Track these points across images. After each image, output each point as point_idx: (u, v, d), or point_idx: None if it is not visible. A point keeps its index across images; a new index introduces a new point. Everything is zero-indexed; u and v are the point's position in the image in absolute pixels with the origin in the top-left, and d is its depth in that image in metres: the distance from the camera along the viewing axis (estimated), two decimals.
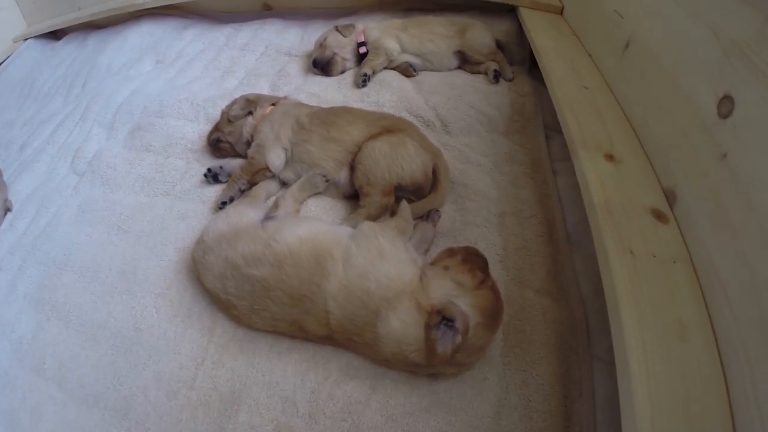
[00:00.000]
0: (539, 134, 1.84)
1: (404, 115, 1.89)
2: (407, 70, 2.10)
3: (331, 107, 1.79)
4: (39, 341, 1.43)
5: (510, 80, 2.05)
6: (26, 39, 3.33)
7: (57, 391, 1.31)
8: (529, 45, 2.18)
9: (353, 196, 1.64)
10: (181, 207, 1.74)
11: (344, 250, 1.26)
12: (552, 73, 1.75)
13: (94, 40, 3.05)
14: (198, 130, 2.03)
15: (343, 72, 2.18)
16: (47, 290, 1.56)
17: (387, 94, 1.97)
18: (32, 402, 1.30)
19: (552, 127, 1.92)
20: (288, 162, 1.67)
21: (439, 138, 1.84)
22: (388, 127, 1.61)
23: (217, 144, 1.86)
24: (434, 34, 2.11)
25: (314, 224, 1.37)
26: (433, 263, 1.29)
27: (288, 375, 1.25)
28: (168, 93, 2.23)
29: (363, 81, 2.03)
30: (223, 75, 2.34)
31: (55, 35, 3.41)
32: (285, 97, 1.89)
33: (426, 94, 1.97)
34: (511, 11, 2.34)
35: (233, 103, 1.86)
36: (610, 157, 1.36)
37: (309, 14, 2.69)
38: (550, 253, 1.46)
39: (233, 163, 1.78)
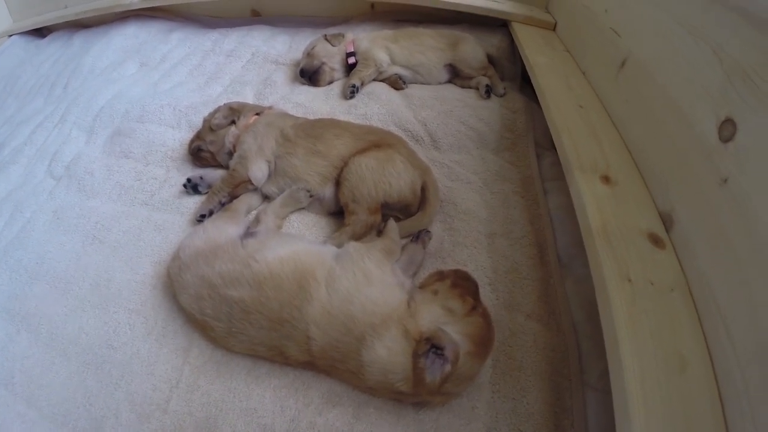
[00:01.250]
0: (530, 152, 1.78)
1: (393, 129, 1.80)
2: (397, 83, 2.02)
3: (317, 119, 1.70)
4: (8, 354, 1.32)
5: (501, 96, 1.98)
6: (11, 35, 3.18)
7: (25, 408, 1.20)
8: (521, 61, 2.13)
9: (338, 213, 1.55)
10: (158, 218, 1.63)
11: (328, 272, 1.16)
12: (546, 90, 1.68)
13: (79, 39, 2.92)
14: (179, 137, 1.92)
15: (331, 82, 2.08)
16: (18, 300, 1.44)
17: (375, 106, 1.88)
18: None
19: (542, 145, 1.86)
20: (271, 175, 1.57)
21: (428, 154, 1.76)
22: (375, 141, 1.52)
23: (198, 153, 1.75)
24: (425, 47, 2.04)
25: (297, 243, 1.28)
26: (421, 287, 1.21)
27: (267, 401, 1.14)
28: (150, 98, 2.11)
29: (351, 92, 1.94)
30: (207, 81, 2.23)
31: (41, 33, 3.26)
32: (270, 107, 1.79)
33: (415, 107, 1.88)
34: (503, 26, 2.29)
35: (216, 111, 1.75)
36: (606, 179, 1.30)
37: (298, 22, 2.60)
38: (541, 277, 1.39)
39: (214, 174, 1.68)
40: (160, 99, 2.08)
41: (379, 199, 1.43)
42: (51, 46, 3.03)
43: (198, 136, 1.76)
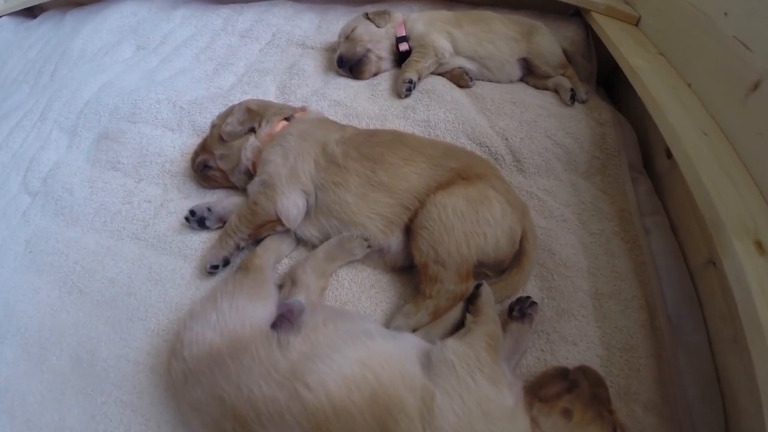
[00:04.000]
0: (624, 178, 1.24)
1: (464, 142, 1.22)
2: (462, 78, 1.39)
3: (373, 131, 1.10)
4: None
5: (583, 102, 1.41)
6: (0, 16, 2.55)
7: None
8: (596, 58, 1.57)
9: (406, 267, 1.00)
10: (153, 261, 1.09)
11: (423, 400, 0.65)
12: (665, 109, 1.12)
13: (71, 19, 2.23)
14: (180, 143, 1.33)
15: (376, 74, 1.44)
16: None
17: (440, 110, 1.27)
18: None
19: (633, 166, 1.30)
20: (310, 212, 1.00)
21: (511, 178, 1.19)
22: (460, 170, 0.96)
23: (204, 170, 1.17)
24: (496, 35, 1.42)
25: (365, 344, 0.73)
26: (541, 399, 0.73)
27: None
28: (145, 90, 1.48)
29: (407, 89, 1.32)
30: (216, 69, 1.58)
31: (32, 12, 2.61)
32: (303, 108, 1.19)
33: (491, 114, 1.29)
34: (574, 15, 1.66)
35: (229, 112, 1.16)
36: (759, 246, 0.83)
37: None
38: (655, 351, 0.97)
39: (227, 204, 1.10)
40: (157, 92, 1.46)
41: (472, 259, 0.89)
42: (41, 28, 2.34)
43: (204, 147, 1.17)
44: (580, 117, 1.36)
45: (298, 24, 1.69)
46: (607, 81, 1.63)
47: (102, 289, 1.09)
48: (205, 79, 1.53)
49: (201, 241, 1.10)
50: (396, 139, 1.01)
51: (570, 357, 0.93)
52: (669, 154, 1.27)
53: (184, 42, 1.77)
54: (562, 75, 1.45)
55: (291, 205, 0.96)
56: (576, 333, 0.96)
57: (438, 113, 1.26)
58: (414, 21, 1.44)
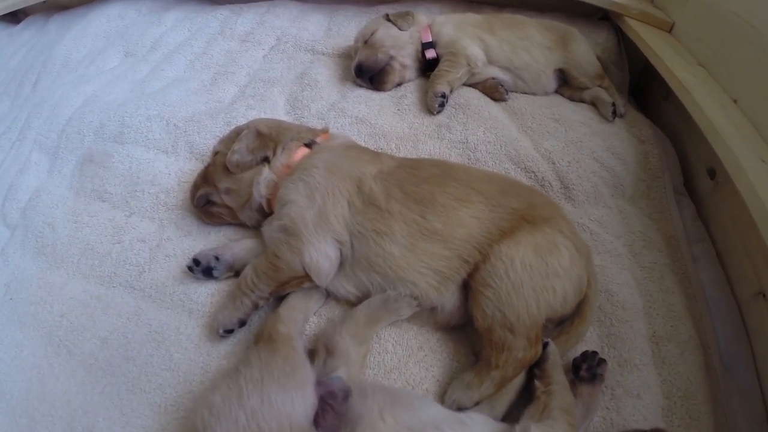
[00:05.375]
0: (670, 202, 1.07)
1: (507, 167, 1.01)
2: (496, 90, 1.17)
3: (415, 162, 0.87)
4: None
5: (622, 116, 1.21)
6: None
7: None
8: (627, 66, 1.37)
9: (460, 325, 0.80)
10: (152, 317, 0.88)
11: None
12: (721, 130, 0.95)
13: (55, 24, 1.90)
14: (176, 169, 1.09)
15: (399, 84, 1.20)
16: None
17: (478, 129, 1.06)
18: None
19: (676, 188, 1.13)
20: (345, 264, 0.78)
21: (559, 206, 0.97)
22: (524, 212, 0.76)
23: (206, 206, 0.94)
24: (531, 42, 1.20)
25: None
26: None
27: None
28: (133, 104, 1.23)
29: (440, 104, 1.09)
30: (214, 78, 1.32)
31: (16, 17, 2.32)
32: (325, 131, 0.95)
33: (533, 134, 1.08)
34: (603, 19, 1.45)
35: (234, 135, 0.92)
36: None
37: None
38: (711, 395, 0.85)
39: (237, 249, 0.88)
40: (147, 107, 1.20)
41: (541, 320, 0.71)
42: (24, 34, 2.00)
43: (205, 178, 0.93)
44: (623, 134, 1.16)
45: (305, 26, 1.43)
46: (633, 90, 1.42)
47: (94, 351, 0.87)
48: (202, 90, 1.28)
49: (208, 293, 0.88)
50: (445, 174, 0.79)
51: (636, 414, 0.79)
52: (712, 174, 1.11)
53: (177, 47, 1.51)
54: (599, 86, 1.24)
55: (321, 257, 0.74)
56: (639, 384, 0.82)
57: (476, 132, 1.04)
58: (441, 25, 1.20)
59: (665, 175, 1.11)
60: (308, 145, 0.87)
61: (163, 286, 0.92)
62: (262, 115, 1.11)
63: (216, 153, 0.93)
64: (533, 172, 1.01)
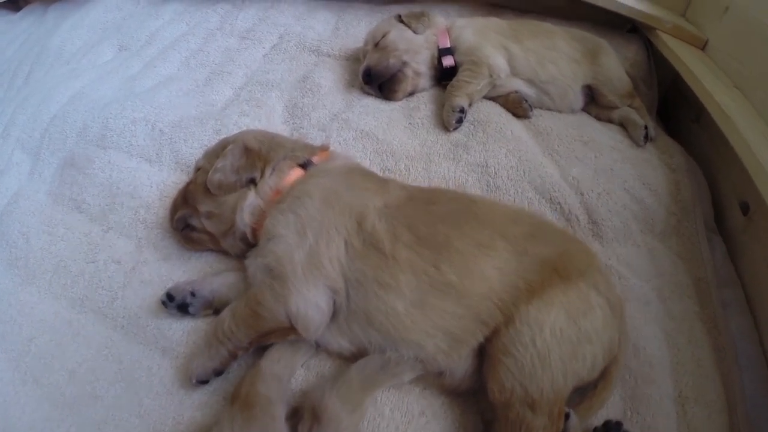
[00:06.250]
0: (701, 241, 0.93)
1: (530, 197, 0.86)
2: (520, 106, 1.00)
3: (429, 192, 0.72)
4: None
5: (652, 140, 1.05)
6: None
7: None
8: (657, 84, 1.21)
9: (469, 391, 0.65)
10: (123, 351, 0.75)
11: None
12: (766, 164, 0.81)
13: (53, 13, 1.74)
14: (158, 181, 0.95)
15: (411, 93, 1.04)
16: None
17: (500, 150, 0.90)
18: None
19: (706, 224, 0.99)
20: (339, 315, 0.64)
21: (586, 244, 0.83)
22: (556, 263, 0.61)
23: (185, 229, 0.80)
24: (558, 53, 1.04)
25: None
26: None
27: None
28: (119, 105, 1.08)
29: (458, 120, 0.94)
30: (209, 78, 1.17)
31: (17, 5, 2.19)
32: (324, 149, 0.80)
33: (560, 158, 0.93)
34: (631, 31, 1.28)
35: (220, 148, 0.77)
36: None
37: None
38: None
39: (217, 285, 0.74)
40: (133, 108, 1.06)
41: (567, 392, 0.58)
42: (23, 22, 1.84)
43: (185, 198, 0.78)
44: (654, 161, 1.01)
45: (311, 24, 1.26)
46: (659, 110, 1.25)
47: (61, 384, 0.76)
48: (195, 91, 1.13)
49: (184, 331, 0.75)
50: (465, 212, 0.64)
51: None
52: (745, 209, 0.97)
53: (172, 43, 1.35)
54: (629, 106, 1.08)
55: (310, 307, 0.60)
56: None
57: (498, 155, 0.88)
58: (461, 29, 1.03)
59: (696, 210, 0.97)
60: (303, 166, 0.72)
61: (136, 317, 0.79)
62: (257, 124, 0.96)
63: (198, 169, 0.79)
64: (559, 203, 0.85)
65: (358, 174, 0.71)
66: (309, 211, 0.63)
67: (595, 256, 0.70)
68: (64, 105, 1.20)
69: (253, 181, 0.72)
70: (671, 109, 1.27)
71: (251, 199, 0.71)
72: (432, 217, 0.63)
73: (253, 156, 0.72)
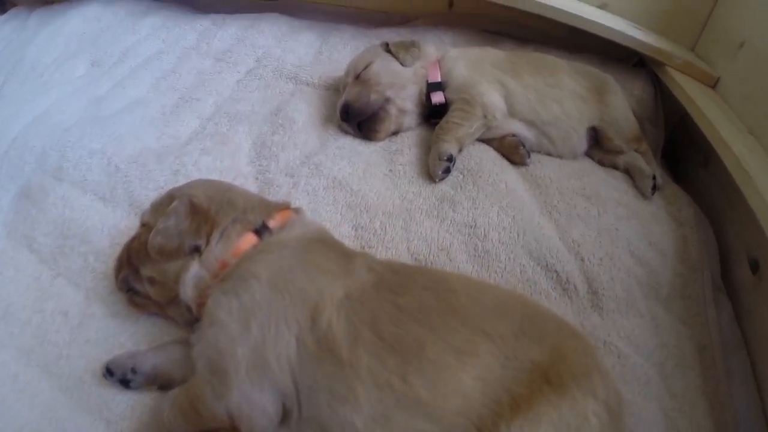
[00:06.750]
0: (707, 304, 0.82)
1: (524, 263, 0.74)
2: (516, 151, 0.88)
3: (404, 275, 0.59)
4: None
5: (659, 189, 0.93)
6: None
7: None
8: (663, 124, 1.09)
9: None
10: (66, 417, 0.66)
11: None
12: None
13: (35, 19, 1.63)
14: (110, 225, 0.84)
15: (395, 133, 0.92)
16: None
17: (491, 207, 0.78)
18: None
19: (713, 283, 0.88)
20: (290, 420, 0.52)
21: (584, 320, 0.74)
22: (547, 368, 0.50)
23: (129, 292, 0.69)
24: (563, 90, 0.91)
25: None
26: None
27: None
28: (79, 131, 0.98)
29: (444, 170, 0.81)
30: (177, 104, 1.05)
31: (4, 7, 2.08)
32: (284, 208, 0.68)
33: (559, 216, 0.81)
34: (637, 65, 1.17)
35: (168, 201, 0.65)
36: None
37: (332, 15, 1.35)
38: None
39: (160, 361, 0.64)
40: (92, 137, 0.95)
41: None
42: (6, 27, 1.72)
43: (129, 257, 0.67)
44: (661, 215, 0.89)
45: (292, 47, 1.14)
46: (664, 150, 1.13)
47: None
48: (160, 119, 1.01)
49: (128, 404, 0.65)
50: (442, 304, 0.53)
51: None
52: (754, 267, 0.86)
53: (145, 61, 1.24)
54: (635, 150, 0.96)
55: (254, 410, 0.50)
56: None
57: (489, 213, 0.76)
58: (454, 61, 0.91)
59: (704, 269, 0.86)
60: (258, 231, 0.61)
61: (81, 381, 0.69)
62: (218, 165, 0.85)
63: (143, 225, 0.68)
64: (556, 271, 0.73)
65: (318, 249, 0.59)
66: (255, 298, 0.53)
67: (594, 351, 0.59)
68: (27, 126, 1.09)
69: (198, 249, 0.61)
70: (678, 149, 1.15)
71: (195, 270, 0.60)
72: (401, 314, 0.52)
73: (199, 218, 0.61)
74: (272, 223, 0.62)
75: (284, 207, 0.67)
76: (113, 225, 0.85)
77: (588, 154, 0.98)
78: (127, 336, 0.75)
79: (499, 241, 0.74)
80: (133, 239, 0.69)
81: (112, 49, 1.35)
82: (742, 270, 0.88)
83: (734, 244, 0.92)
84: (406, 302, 0.52)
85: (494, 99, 0.86)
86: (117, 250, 0.82)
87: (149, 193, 0.85)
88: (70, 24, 1.51)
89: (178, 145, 0.93)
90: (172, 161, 0.87)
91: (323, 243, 0.60)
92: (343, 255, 0.58)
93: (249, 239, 0.60)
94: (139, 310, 0.71)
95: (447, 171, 0.81)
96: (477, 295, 0.54)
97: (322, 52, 1.16)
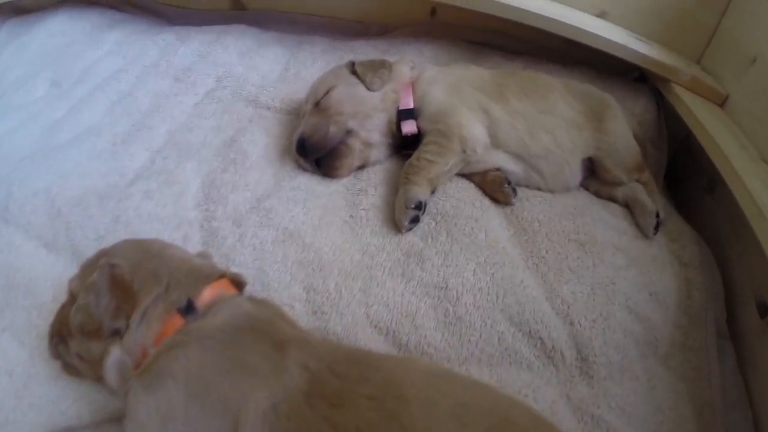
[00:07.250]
0: (710, 357, 0.72)
1: (501, 328, 0.64)
2: (500, 189, 0.76)
3: (344, 367, 0.47)
4: None
5: (662, 224, 0.81)
6: None
7: None
8: (666, 147, 0.97)
9: None
10: None
11: None
12: None
13: (5, 32, 1.51)
14: (54, 276, 0.75)
15: (360, 168, 0.80)
16: None
17: (467, 264, 0.67)
18: None
19: (718, 330, 0.77)
20: None
21: (570, 391, 0.64)
22: None
23: (61, 360, 0.61)
24: (556, 117, 0.78)
25: None
26: None
27: None
28: (27, 167, 0.89)
29: (412, 219, 0.69)
30: (130, 133, 0.95)
31: None
32: (220, 278, 0.57)
33: (547, 269, 0.69)
34: (638, 80, 1.04)
35: (94, 265, 0.57)
36: None
37: (303, 26, 1.23)
38: None
39: None
40: (38, 174, 0.86)
41: None
42: None
43: (60, 326, 0.59)
44: (663, 258, 0.77)
45: (256, 64, 1.03)
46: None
47: None
48: (109, 152, 0.90)
49: None
50: (390, 419, 0.42)
51: None
52: (762, 311, 0.74)
53: (104, 81, 1.13)
54: (637, 180, 0.84)
55: None
56: None
57: (464, 271, 0.65)
58: (429, 84, 0.78)
59: (708, 316, 0.75)
60: (183, 312, 0.52)
61: None
62: (160, 212, 0.74)
63: (70, 292, 0.59)
64: (540, 338, 0.63)
65: (245, 342, 0.49)
66: (171, 402, 0.44)
67: None
68: None
69: (118, 332, 0.52)
70: (680, 170, 1.03)
71: (116, 355, 0.51)
72: (342, 419, 0.42)
73: (119, 294, 0.51)
74: (199, 302, 0.52)
75: (222, 274, 0.57)
76: (56, 276, 0.76)
77: (583, 184, 0.85)
78: (70, 402, 0.67)
79: (475, 305, 0.63)
80: (62, 307, 0.61)
81: (73, 68, 1.25)
82: (748, 313, 0.78)
83: (740, 282, 0.81)
84: (342, 419, 0.42)
85: (475, 130, 0.74)
86: (58, 306, 0.75)
87: (89, 243, 0.76)
88: (38, 38, 1.41)
89: (122, 186, 0.83)
90: (114, 206, 0.77)
91: (252, 332, 0.50)
92: (275, 347, 0.48)
93: (172, 323, 0.50)
94: (76, 377, 0.63)
95: (415, 220, 0.69)
96: (433, 398, 0.44)
97: (288, 69, 1.04)
